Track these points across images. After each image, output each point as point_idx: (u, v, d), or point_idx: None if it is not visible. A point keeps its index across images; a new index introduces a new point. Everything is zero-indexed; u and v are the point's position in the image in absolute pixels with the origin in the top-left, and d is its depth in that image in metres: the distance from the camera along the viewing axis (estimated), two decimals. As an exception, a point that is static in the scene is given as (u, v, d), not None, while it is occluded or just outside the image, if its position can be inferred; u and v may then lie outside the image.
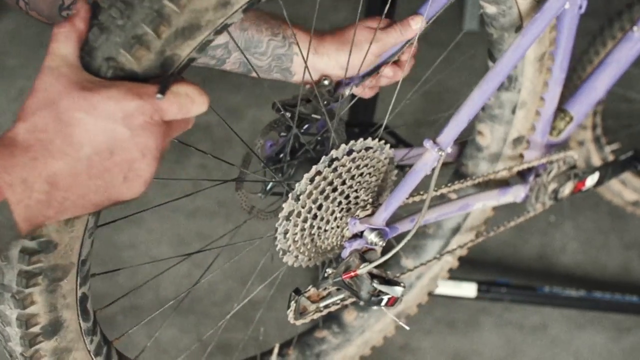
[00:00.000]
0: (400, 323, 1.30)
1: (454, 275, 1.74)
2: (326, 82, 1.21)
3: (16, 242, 0.90)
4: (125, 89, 0.79)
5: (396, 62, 1.27)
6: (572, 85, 1.97)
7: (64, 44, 0.82)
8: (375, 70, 1.27)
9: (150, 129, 0.80)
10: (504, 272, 2.32)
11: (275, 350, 1.49)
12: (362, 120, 1.84)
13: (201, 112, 0.84)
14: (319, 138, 1.22)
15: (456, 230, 1.56)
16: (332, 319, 1.56)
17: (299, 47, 1.20)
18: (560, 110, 1.57)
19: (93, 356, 1.07)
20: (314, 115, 1.19)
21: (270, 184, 1.23)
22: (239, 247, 1.31)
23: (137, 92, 0.79)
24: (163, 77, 0.84)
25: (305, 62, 1.21)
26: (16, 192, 0.75)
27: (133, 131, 0.79)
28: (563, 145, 1.59)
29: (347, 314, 1.55)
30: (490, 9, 1.25)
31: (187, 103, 0.82)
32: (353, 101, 1.27)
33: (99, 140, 0.78)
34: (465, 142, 1.49)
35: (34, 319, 0.97)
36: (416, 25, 1.24)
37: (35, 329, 0.98)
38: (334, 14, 3.22)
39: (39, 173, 0.76)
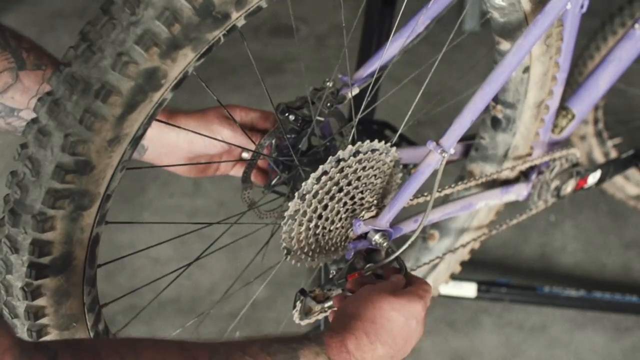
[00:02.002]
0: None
1: (454, 275, 1.74)
2: (330, 84, 1.21)
3: (54, 160, 0.90)
4: (413, 292, 1.06)
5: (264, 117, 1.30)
6: (573, 81, 1.98)
7: None
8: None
9: (424, 322, 1.08)
10: (504, 272, 2.32)
11: None
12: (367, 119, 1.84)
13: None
14: (328, 141, 1.22)
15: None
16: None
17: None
18: (563, 108, 1.57)
19: (86, 310, 1.04)
20: (318, 118, 1.20)
21: (275, 179, 1.24)
22: (240, 242, 1.32)
23: (420, 295, 1.07)
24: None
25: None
26: None
27: (419, 323, 1.06)
28: (565, 143, 1.59)
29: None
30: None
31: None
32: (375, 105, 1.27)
33: (404, 332, 1.04)
34: (473, 138, 1.50)
35: (48, 247, 0.95)
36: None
37: (46, 260, 0.96)
38: (334, 14, 3.22)
39: (371, 355, 1.01)
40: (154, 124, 1.14)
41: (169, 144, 1.25)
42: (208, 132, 1.25)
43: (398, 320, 1.03)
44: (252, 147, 1.24)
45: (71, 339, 1.05)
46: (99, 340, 0.83)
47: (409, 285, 1.10)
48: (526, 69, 1.34)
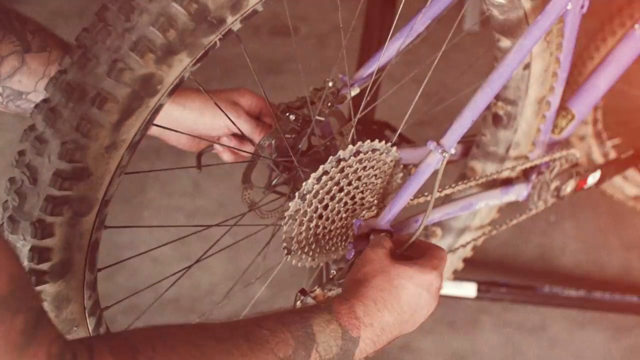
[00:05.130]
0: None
1: (454, 275, 1.73)
2: (330, 84, 1.22)
3: (51, 167, 0.91)
4: (424, 263, 1.06)
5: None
6: (572, 81, 1.97)
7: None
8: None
9: (437, 294, 1.07)
10: (504, 272, 2.32)
11: None
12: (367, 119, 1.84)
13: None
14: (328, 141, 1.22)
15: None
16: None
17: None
18: (563, 108, 1.57)
19: (87, 314, 1.04)
20: (318, 117, 1.20)
21: (276, 180, 1.24)
22: (240, 243, 1.32)
23: (434, 265, 1.06)
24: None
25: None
26: (366, 332, 0.99)
27: (430, 294, 1.05)
28: (565, 143, 1.59)
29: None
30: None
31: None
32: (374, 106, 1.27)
33: (412, 301, 1.03)
34: (472, 140, 1.50)
35: (47, 253, 0.95)
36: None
37: (45, 266, 0.95)
38: (334, 14, 3.22)
39: (379, 321, 1.01)
40: None
41: (173, 120, 1.24)
42: (213, 114, 1.25)
43: (406, 289, 1.03)
44: (253, 143, 1.25)
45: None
46: (128, 332, 0.84)
47: (423, 254, 1.09)
48: (527, 66, 1.33)
